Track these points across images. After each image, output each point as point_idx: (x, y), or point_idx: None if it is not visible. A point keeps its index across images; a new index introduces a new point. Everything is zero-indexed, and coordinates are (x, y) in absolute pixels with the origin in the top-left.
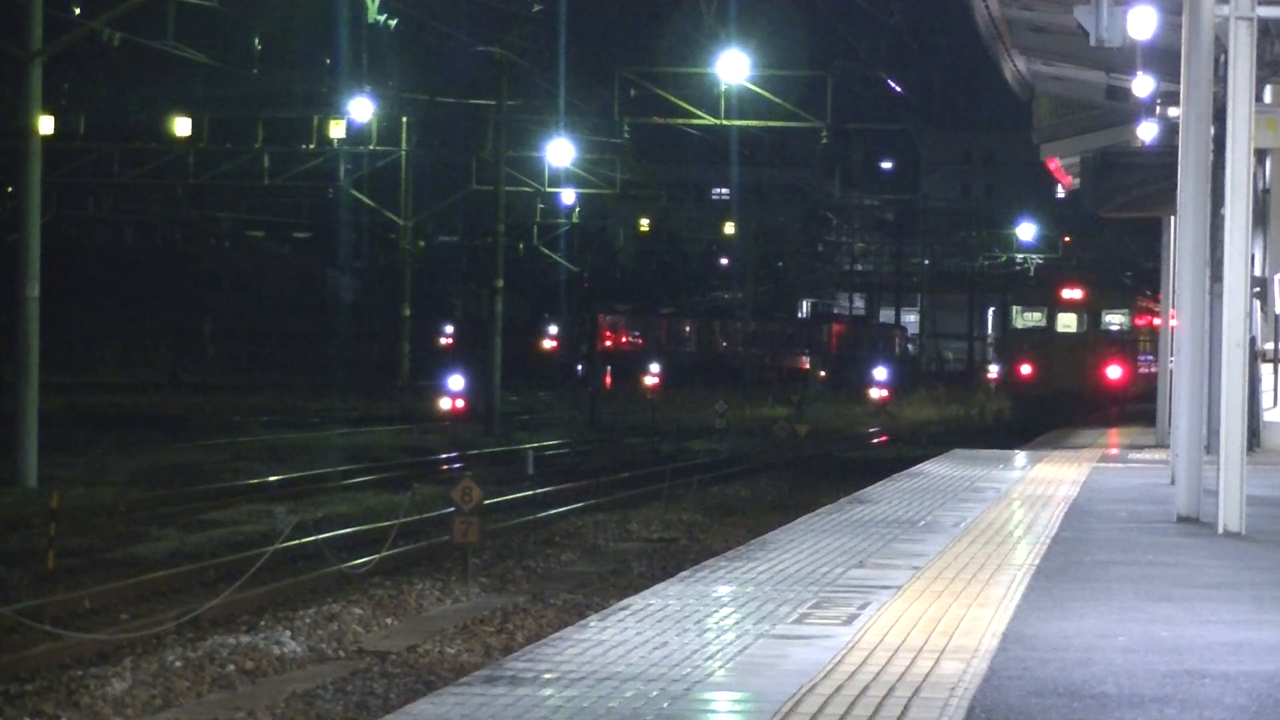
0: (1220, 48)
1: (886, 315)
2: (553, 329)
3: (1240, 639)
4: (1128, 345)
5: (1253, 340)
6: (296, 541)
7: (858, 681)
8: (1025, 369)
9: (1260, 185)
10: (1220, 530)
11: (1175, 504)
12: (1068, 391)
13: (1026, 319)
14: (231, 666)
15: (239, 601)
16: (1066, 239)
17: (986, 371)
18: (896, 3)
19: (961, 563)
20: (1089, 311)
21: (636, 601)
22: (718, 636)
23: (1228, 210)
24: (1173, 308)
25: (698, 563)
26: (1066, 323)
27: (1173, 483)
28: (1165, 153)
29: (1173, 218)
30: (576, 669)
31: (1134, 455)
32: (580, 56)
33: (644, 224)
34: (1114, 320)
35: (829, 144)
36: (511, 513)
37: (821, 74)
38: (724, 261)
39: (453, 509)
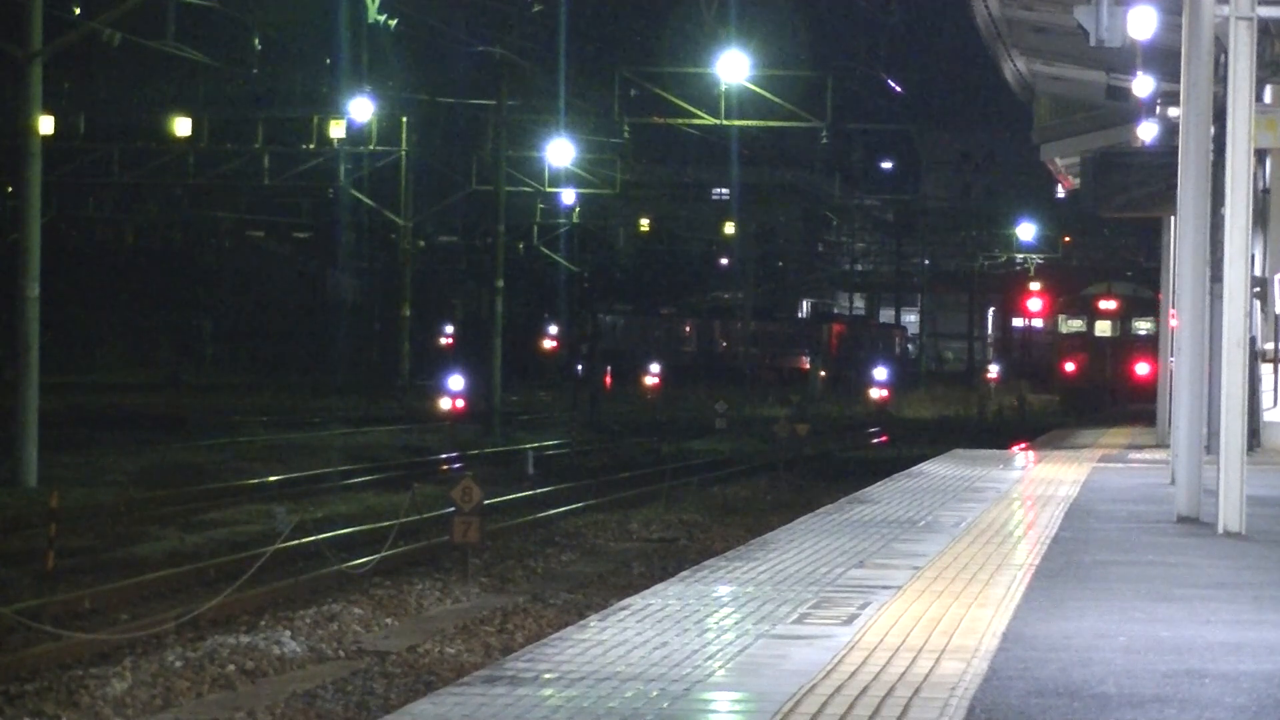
0: (1220, 48)
1: (886, 315)
2: (553, 329)
3: (1240, 639)
4: (1154, 347)
5: (1253, 340)
6: (296, 541)
7: (858, 681)
8: (1069, 367)
9: (1260, 185)
10: (1220, 530)
11: (1175, 504)
12: (1104, 386)
13: (1070, 325)
14: (231, 666)
15: (239, 601)
16: (1066, 239)
17: (986, 371)
18: (896, 3)
19: (962, 563)
20: (1122, 319)
21: (636, 601)
22: (718, 636)
23: (1228, 210)
24: (1173, 308)
25: (698, 563)
26: (1103, 328)
27: (1173, 483)
28: (1165, 153)
29: (1173, 218)
30: (576, 669)
31: (1134, 455)
32: (580, 56)
33: (644, 224)
34: (1142, 326)
35: (829, 144)
36: (511, 513)
37: (821, 74)
38: (724, 261)
39: (453, 509)
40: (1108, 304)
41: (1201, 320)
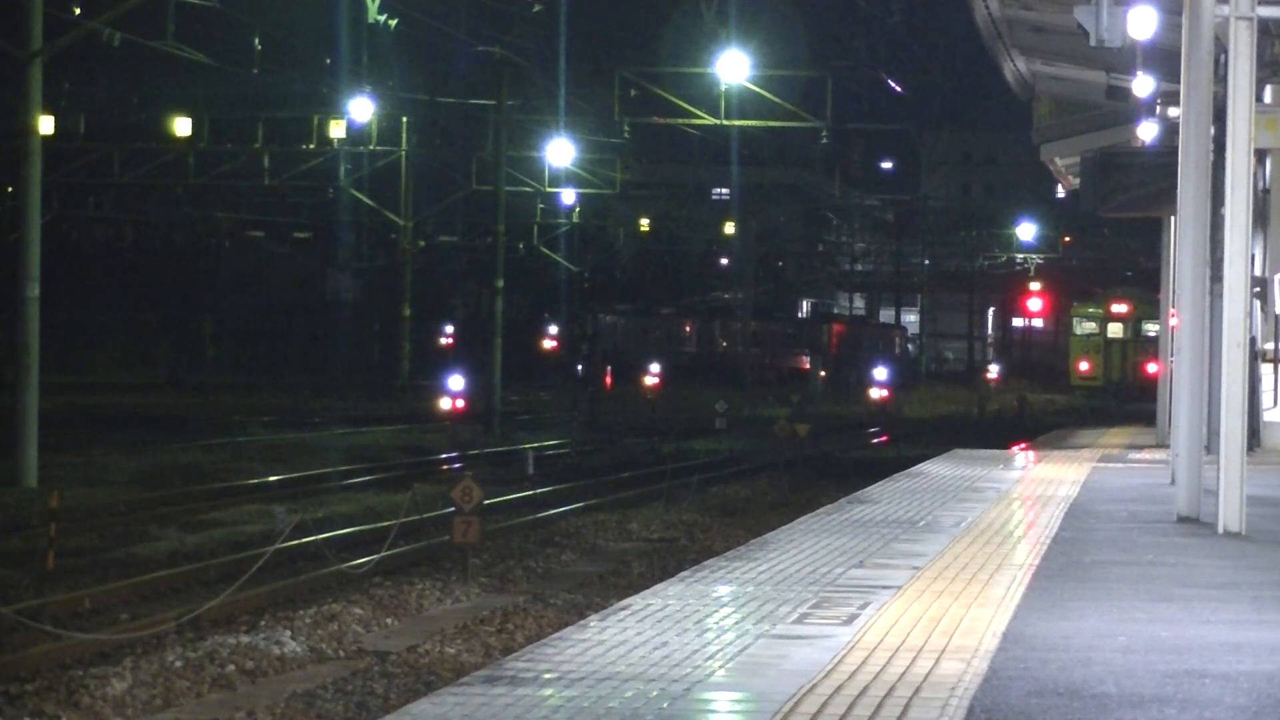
0: (1220, 48)
1: (886, 315)
2: (553, 329)
3: (1240, 639)
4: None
5: (1253, 340)
6: (296, 541)
7: (858, 681)
8: (1083, 365)
9: (1260, 185)
10: (1220, 530)
11: (1175, 504)
12: (1116, 383)
13: (1085, 327)
14: (231, 666)
15: (239, 601)
16: (1066, 239)
17: (986, 371)
18: (896, 3)
19: (962, 563)
20: (1132, 321)
21: (636, 601)
22: (718, 636)
23: (1228, 210)
24: (1173, 308)
25: (698, 563)
26: (1115, 330)
27: (1173, 483)
28: (1165, 153)
29: (1173, 218)
30: (576, 669)
31: (1134, 455)
32: (580, 56)
33: (644, 224)
34: (1151, 328)
35: (829, 144)
36: (511, 513)
37: (821, 74)
38: (724, 261)
39: (453, 509)
40: (1119, 307)
41: (1201, 320)
